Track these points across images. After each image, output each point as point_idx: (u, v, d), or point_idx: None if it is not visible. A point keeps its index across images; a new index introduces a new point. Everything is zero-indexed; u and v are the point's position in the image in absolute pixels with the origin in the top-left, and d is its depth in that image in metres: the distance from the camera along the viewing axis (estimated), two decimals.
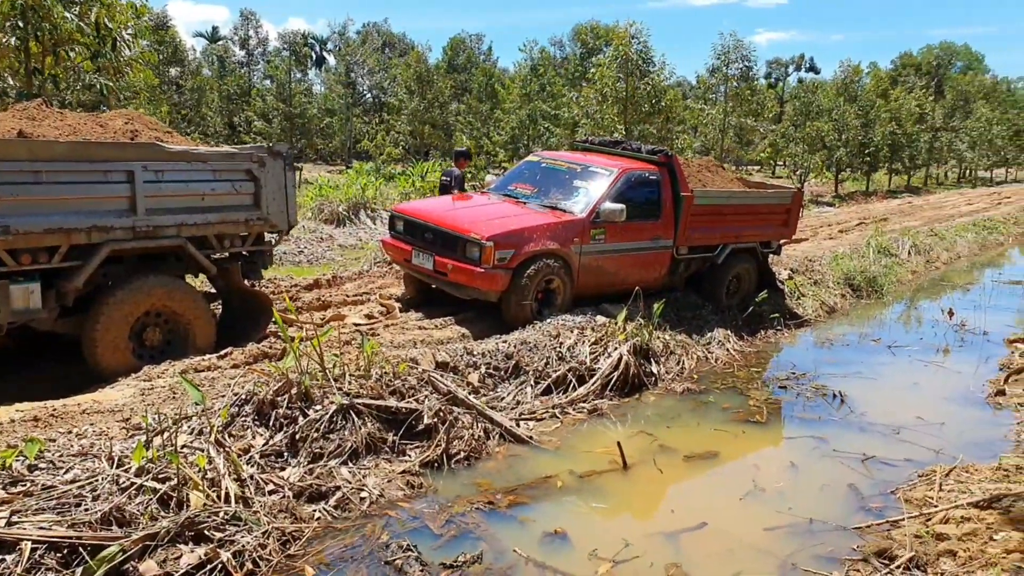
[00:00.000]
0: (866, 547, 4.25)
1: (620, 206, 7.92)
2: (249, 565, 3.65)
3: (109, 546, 3.38)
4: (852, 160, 31.13)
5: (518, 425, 5.75)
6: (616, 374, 6.68)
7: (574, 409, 6.26)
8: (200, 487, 3.88)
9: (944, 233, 17.16)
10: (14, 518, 3.42)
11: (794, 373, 7.70)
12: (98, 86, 11.09)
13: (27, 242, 5.15)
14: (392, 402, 5.17)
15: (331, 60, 58.19)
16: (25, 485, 3.69)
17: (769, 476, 5.32)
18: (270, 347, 6.31)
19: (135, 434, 4.39)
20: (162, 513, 3.70)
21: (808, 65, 68.41)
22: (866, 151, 31.39)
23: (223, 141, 32.97)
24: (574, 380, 6.54)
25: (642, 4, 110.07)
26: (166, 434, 4.14)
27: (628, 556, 4.14)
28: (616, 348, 6.87)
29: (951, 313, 9.95)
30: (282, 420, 4.75)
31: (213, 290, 7.01)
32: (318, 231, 14.38)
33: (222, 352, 6.08)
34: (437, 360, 6.06)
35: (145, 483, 3.79)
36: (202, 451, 4.19)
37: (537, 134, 28.58)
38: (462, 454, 5.15)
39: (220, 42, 56.24)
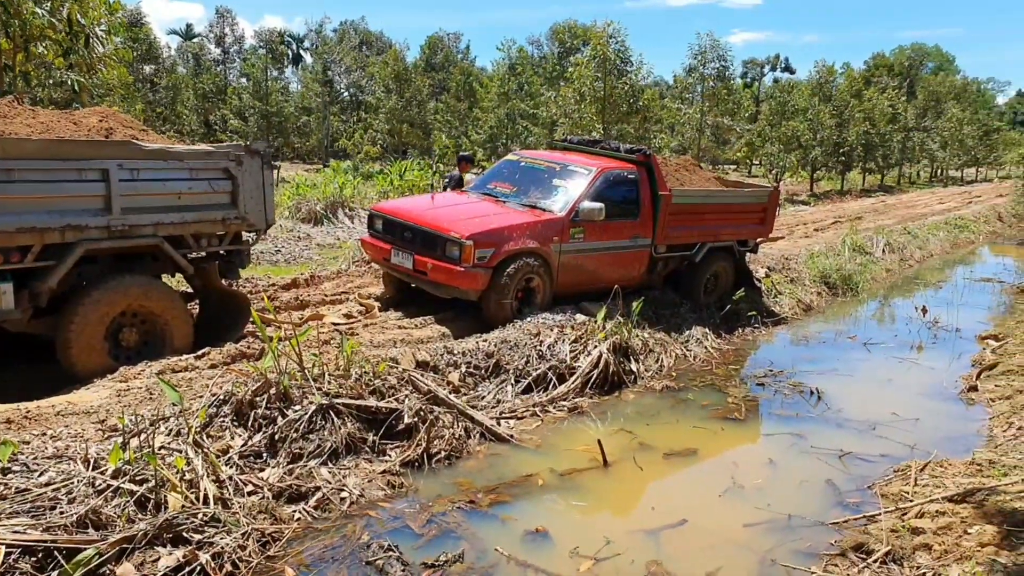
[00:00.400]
0: (844, 542, 4.30)
1: (599, 205, 7.94)
2: (229, 567, 3.62)
3: (85, 549, 3.34)
4: (827, 159, 31.42)
5: (499, 424, 5.75)
6: (596, 372, 6.70)
7: (554, 407, 6.27)
8: (178, 488, 3.84)
9: (917, 231, 17.39)
10: None
11: (772, 370, 7.77)
12: (70, 83, 10.92)
13: None
14: (372, 402, 5.15)
15: (308, 58, 57.80)
16: None
17: (748, 473, 5.36)
18: (248, 347, 6.25)
19: (111, 436, 4.34)
20: (139, 515, 3.66)
21: (783, 65, 69.10)
22: (840, 150, 31.70)
23: (199, 140, 32.64)
24: (554, 378, 6.55)
25: (618, 4, 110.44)
26: (143, 435, 4.10)
27: (609, 553, 4.15)
28: (596, 346, 6.89)
29: (924, 310, 10.09)
30: (261, 420, 4.71)
31: (190, 290, 6.94)
32: (295, 230, 14.27)
33: (200, 352, 6.02)
34: (417, 359, 6.04)
35: (122, 485, 3.75)
36: (180, 452, 4.14)
37: (515, 133, 28.60)
38: (443, 453, 5.14)
39: (195, 39, 55.68)
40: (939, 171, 49.16)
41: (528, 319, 7.37)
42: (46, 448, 4.09)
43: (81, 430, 4.44)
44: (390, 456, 4.98)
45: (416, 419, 5.16)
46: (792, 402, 6.94)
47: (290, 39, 58.25)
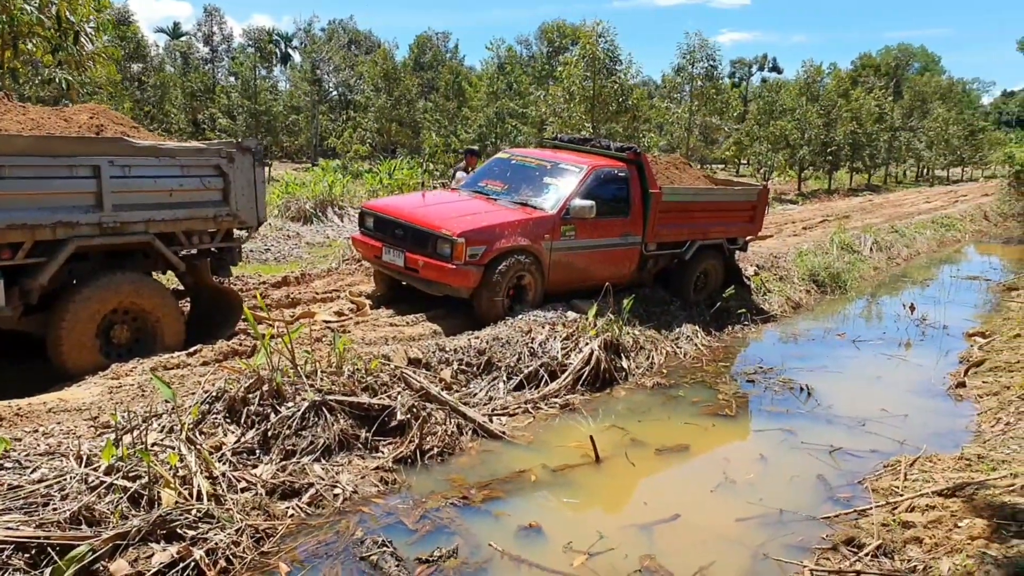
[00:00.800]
0: (835, 536, 4.33)
1: (590, 203, 7.97)
2: (222, 563, 3.61)
3: (78, 546, 3.33)
4: (815, 158, 31.55)
5: (491, 420, 5.76)
6: (587, 369, 6.73)
7: (546, 404, 6.28)
8: (171, 485, 3.83)
9: (904, 230, 17.51)
10: None
11: (762, 367, 7.81)
12: (59, 80, 10.84)
13: None
14: (364, 399, 5.15)
15: (296, 57, 57.60)
16: None
17: (739, 468, 5.39)
18: (240, 344, 6.24)
19: (104, 432, 4.32)
20: (133, 512, 3.65)
21: (771, 65, 69.52)
22: (828, 150, 31.84)
23: (187, 138, 32.43)
24: (546, 375, 6.56)
25: (607, 3, 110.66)
26: (136, 432, 4.09)
27: (603, 548, 4.17)
28: (587, 343, 6.92)
29: (912, 308, 10.18)
30: (254, 417, 4.71)
31: (182, 287, 6.92)
32: (285, 229, 14.22)
33: (192, 349, 6.00)
34: (409, 356, 6.05)
35: (115, 482, 3.74)
36: (173, 449, 4.14)
37: (505, 132, 28.56)
38: (435, 450, 5.15)
39: (183, 38, 55.38)
40: (925, 170, 49.44)
41: (519, 316, 7.38)
42: (38, 445, 4.08)
43: (73, 427, 4.43)
44: (383, 453, 4.98)
45: (409, 416, 5.17)
46: (782, 399, 6.98)
47: (278, 38, 58.09)
